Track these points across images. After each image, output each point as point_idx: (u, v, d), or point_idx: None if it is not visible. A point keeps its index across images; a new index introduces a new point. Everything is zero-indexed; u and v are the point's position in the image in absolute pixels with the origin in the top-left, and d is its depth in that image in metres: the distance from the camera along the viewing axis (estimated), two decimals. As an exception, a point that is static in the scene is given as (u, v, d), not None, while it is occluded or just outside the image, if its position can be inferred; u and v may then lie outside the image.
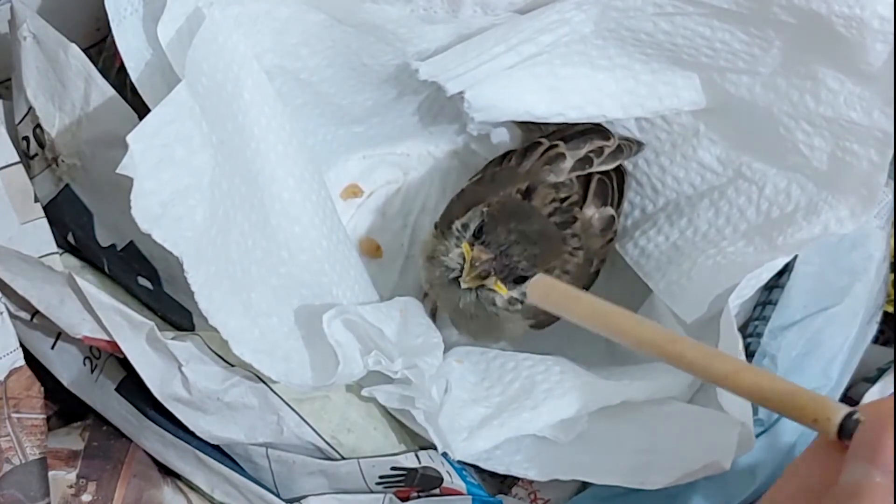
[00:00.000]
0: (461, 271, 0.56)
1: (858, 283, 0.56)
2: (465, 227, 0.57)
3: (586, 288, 0.61)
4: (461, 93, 0.58)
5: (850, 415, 0.33)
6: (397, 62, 0.59)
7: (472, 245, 0.55)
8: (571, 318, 0.40)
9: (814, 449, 0.34)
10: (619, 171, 0.62)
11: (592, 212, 0.60)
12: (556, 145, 0.61)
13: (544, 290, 0.43)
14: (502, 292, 0.56)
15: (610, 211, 0.61)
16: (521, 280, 0.55)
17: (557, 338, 0.62)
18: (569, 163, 0.60)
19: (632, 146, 0.62)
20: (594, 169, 0.61)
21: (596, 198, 0.60)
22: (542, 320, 0.59)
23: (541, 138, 0.62)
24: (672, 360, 0.36)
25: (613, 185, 0.61)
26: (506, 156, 0.63)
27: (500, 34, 0.55)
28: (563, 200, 0.59)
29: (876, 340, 0.59)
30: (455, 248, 0.57)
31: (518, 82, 0.58)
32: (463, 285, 0.56)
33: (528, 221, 0.56)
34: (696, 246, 0.60)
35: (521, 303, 0.56)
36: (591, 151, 0.61)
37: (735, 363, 0.35)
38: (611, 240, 0.62)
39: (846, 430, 0.33)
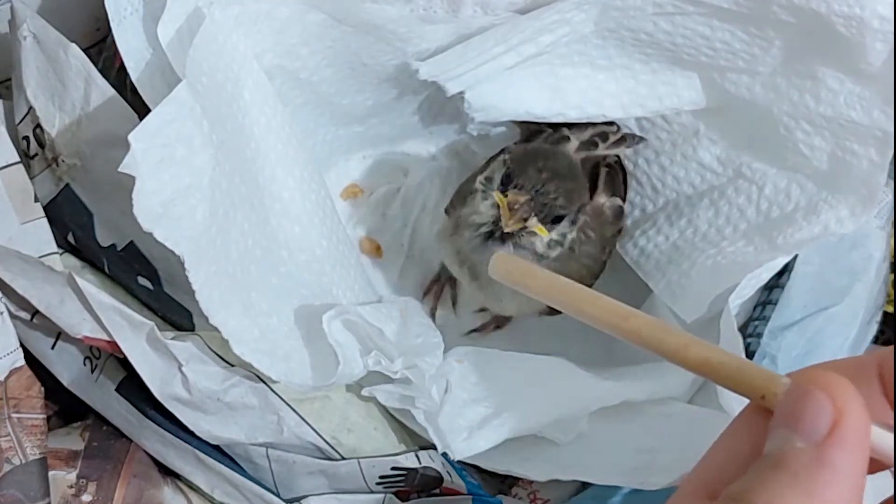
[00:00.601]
0: (495, 223, 0.55)
1: (858, 283, 0.56)
2: (488, 179, 0.56)
3: (597, 276, 0.61)
4: (461, 93, 0.58)
5: None
6: (397, 62, 0.59)
7: (503, 192, 0.54)
8: (531, 294, 0.40)
9: (743, 416, 0.34)
10: (623, 169, 0.63)
11: (604, 199, 0.60)
12: (560, 129, 0.61)
13: (505, 265, 0.43)
14: (543, 234, 0.55)
15: (619, 201, 0.61)
16: (558, 219, 0.55)
17: (557, 338, 0.62)
18: (574, 144, 0.60)
19: (634, 138, 0.62)
20: (599, 152, 0.61)
21: (606, 187, 0.60)
22: None
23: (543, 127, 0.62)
24: (626, 336, 0.36)
25: (620, 178, 0.62)
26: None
27: (500, 34, 0.55)
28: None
29: (876, 340, 0.59)
30: (483, 203, 0.55)
31: (518, 82, 0.58)
32: (506, 229, 0.54)
33: (556, 158, 0.56)
34: (696, 246, 0.60)
35: (561, 245, 0.56)
36: (595, 135, 0.61)
37: (685, 338, 0.35)
38: (619, 231, 0.62)
39: None
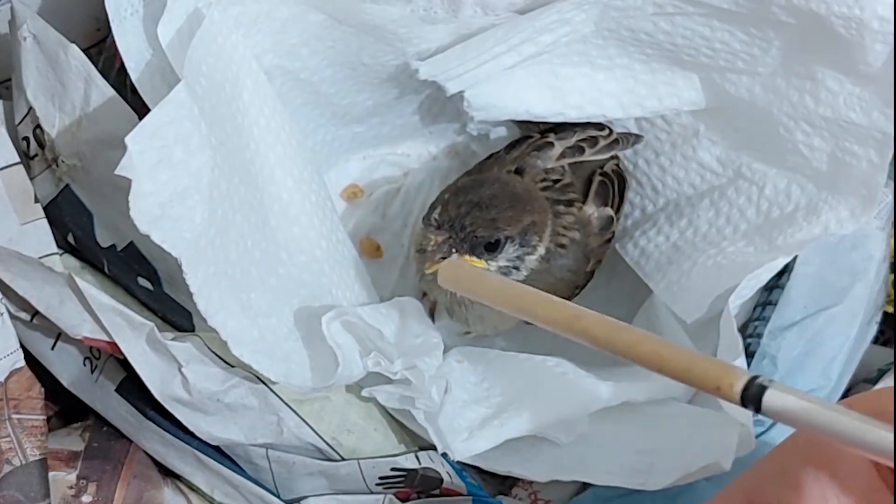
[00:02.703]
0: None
1: (858, 284, 0.56)
2: (433, 208, 0.56)
3: (581, 287, 0.61)
4: (461, 93, 0.58)
5: (753, 379, 0.32)
6: (397, 62, 0.59)
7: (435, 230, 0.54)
8: (482, 300, 0.40)
9: (797, 434, 0.34)
10: (621, 176, 0.62)
11: (592, 210, 0.60)
12: (546, 136, 0.61)
13: (454, 272, 0.42)
14: (480, 265, 0.55)
15: (609, 212, 0.60)
16: (493, 247, 0.55)
17: (557, 338, 0.62)
18: (557, 150, 0.60)
19: (629, 138, 0.62)
20: (586, 158, 0.60)
21: (597, 197, 0.60)
22: None
23: (534, 133, 0.62)
24: (578, 335, 0.36)
25: (614, 189, 0.61)
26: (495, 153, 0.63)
27: (500, 34, 0.55)
28: (555, 182, 0.59)
29: (876, 341, 0.59)
30: (425, 235, 0.56)
31: (518, 82, 0.58)
32: (426, 271, 0.55)
33: (481, 189, 0.55)
34: (696, 246, 0.60)
35: (517, 269, 0.56)
36: (581, 140, 0.61)
37: (637, 334, 0.35)
38: (608, 240, 0.61)
39: (750, 395, 0.32)
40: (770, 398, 0.31)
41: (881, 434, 0.29)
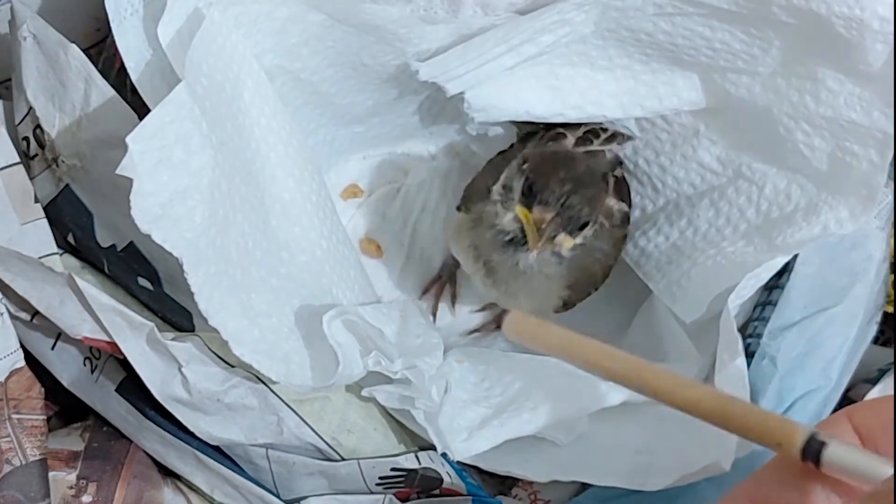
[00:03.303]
0: (520, 233, 0.54)
1: (858, 284, 0.56)
2: (507, 188, 0.55)
3: (607, 274, 0.60)
4: (461, 93, 0.58)
5: (813, 437, 0.33)
6: (397, 62, 0.59)
7: (528, 207, 0.53)
8: (546, 352, 0.41)
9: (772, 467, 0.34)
10: (627, 184, 0.63)
11: (613, 202, 0.60)
12: (554, 128, 0.61)
13: (519, 326, 0.43)
14: (567, 243, 0.54)
15: (626, 207, 0.60)
16: (584, 226, 0.54)
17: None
18: (570, 140, 0.60)
19: (623, 136, 0.62)
20: (594, 147, 0.60)
21: (615, 192, 0.60)
22: (573, 299, 0.59)
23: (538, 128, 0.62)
24: (639, 389, 0.37)
25: (627, 189, 0.62)
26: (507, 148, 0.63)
27: (500, 35, 0.55)
28: None
29: (876, 341, 0.59)
30: (505, 212, 0.55)
31: (518, 82, 0.58)
32: (533, 250, 0.53)
33: (573, 164, 0.55)
34: (695, 246, 0.60)
35: (583, 245, 0.55)
36: (588, 132, 0.61)
37: (700, 390, 0.35)
38: (625, 237, 0.61)
39: (809, 452, 0.33)
40: (829, 455, 0.32)
41: None
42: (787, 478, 0.33)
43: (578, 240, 0.55)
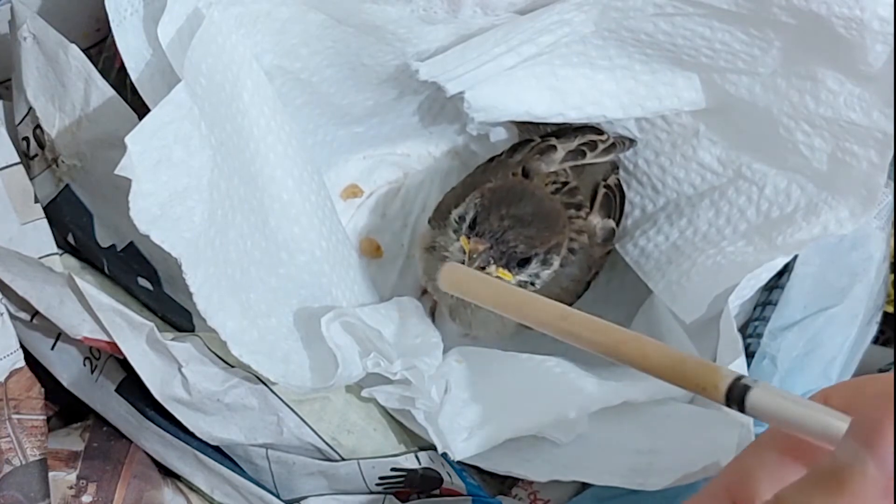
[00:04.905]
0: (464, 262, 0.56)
1: (858, 284, 0.56)
2: (461, 218, 0.56)
3: (579, 296, 0.61)
4: (461, 93, 0.58)
5: (737, 379, 0.32)
6: (397, 62, 0.59)
7: (468, 237, 0.55)
8: (478, 302, 0.41)
9: (773, 428, 0.34)
10: (621, 190, 0.63)
11: (597, 220, 0.60)
12: (548, 139, 0.61)
13: (454, 276, 0.43)
14: (508, 278, 0.56)
15: (611, 224, 0.61)
16: (525, 262, 0.56)
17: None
18: (560, 154, 0.60)
19: (625, 142, 0.62)
20: (587, 161, 0.61)
21: (602, 208, 0.61)
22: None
23: (533, 137, 0.62)
24: (565, 336, 0.36)
25: (616, 202, 0.62)
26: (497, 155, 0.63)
27: (500, 35, 0.55)
28: (563, 184, 0.59)
29: (876, 341, 0.59)
30: (455, 242, 0.56)
31: (518, 83, 0.58)
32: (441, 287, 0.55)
33: (521, 204, 0.56)
34: (695, 246, 0.60)
35: (533, 283, 0.56)
36: (582, 144, 0.61)
37: (623, 334, 0.35)
38: (609, 252, 0.62)
39: (734, 395, 0.32)
40: (754, 398, 0.31)
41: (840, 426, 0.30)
42: (764, 466, 0.33)
43: (523, 276, 0.56)
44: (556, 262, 0.57)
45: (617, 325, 0.37)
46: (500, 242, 0.55)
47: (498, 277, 0.55)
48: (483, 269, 0.55)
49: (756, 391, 0.31)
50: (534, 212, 0.56)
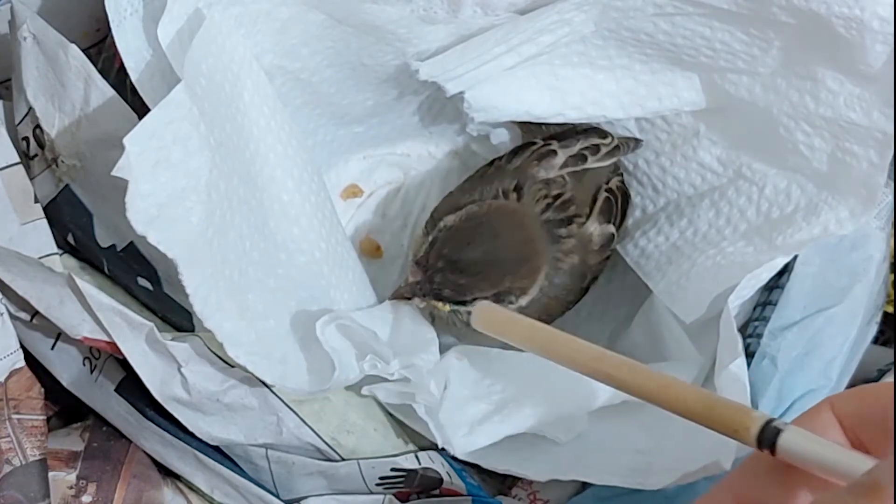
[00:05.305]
0: None
1: (858, 284, 0.56)
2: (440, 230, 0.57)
3: (574, 303, 0.61)
4: (461, 93, 0.58)
5: (768, 422, 0.32)
6: (397, 62, 0.59)
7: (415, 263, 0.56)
8: (514, 342, 0.41)
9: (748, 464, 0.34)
10: (625, 193, 0.63)
11: (594, 227, 0.60)
12: (549, 143, 0.61)
13: (487, 315, 0.43)
14: (439, 307, 0.56)
15: (611, 229, 0.60)
16: (461, 303, 0.56)
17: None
18: (560, 159, 0.60)
19: (629, 144, 0.62)
20: (588, 165, 0.60)
21: (601, 214, 0.60)
22: None
23: (536, 139, 0.62)
24: (601, 379, 0.37)
25: (618, 206, 0.61)
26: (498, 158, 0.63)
27: (500, 35, 0.55)
28: (555, 198, 0.59)
29: (876, 341, 0.59)
30: None
31: (518, 83, 0.58)
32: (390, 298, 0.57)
33: (467, 248, 0.56)
34: (695, 246, 0.60)
35: (466, 323, 0.56)
36: (584, 148, 0.61)
37: (658, 378, 0.35)
38: (608, 257, 0.61)
39: (765, 439, 0.32)
40: (785, 442, 0.32)
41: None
42: (770, 471, 0.33)
43: (461, 313, 0.56)
44: (525, 298, 0.57)
45: (649, 367, 0.37)
46: (429, 280, 0.55)
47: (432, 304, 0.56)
48: (409, 299, 0.56)
49: (787, 435, 0.32)
50: (476, 260, 0.56)
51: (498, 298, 0.56)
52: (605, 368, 0.37)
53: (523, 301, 0.57)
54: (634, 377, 0.36)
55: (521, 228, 0.58)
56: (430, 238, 0.57)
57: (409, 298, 0.56)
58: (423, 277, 0.56)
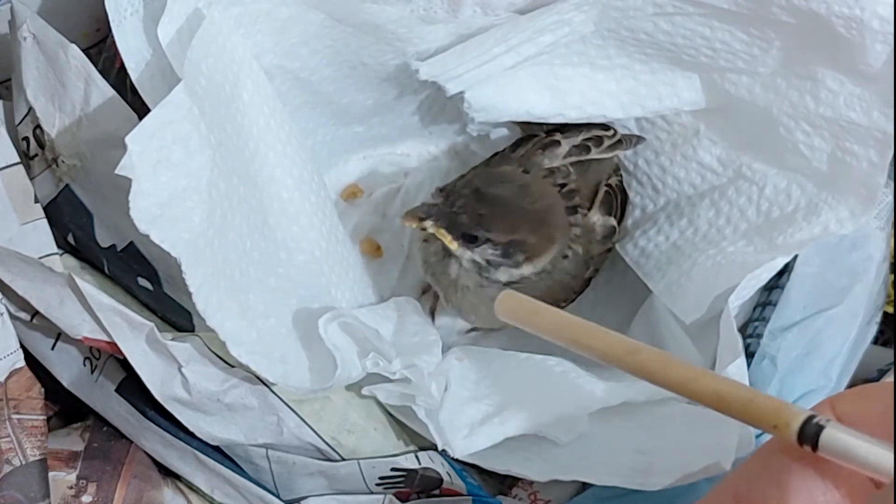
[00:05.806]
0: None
1: (858, 284, 0.56)
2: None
3: (578, 293, 0.61)
4: (461, 93, 0.58)
5: (810, 418, 0.32)
6: (397, 62, 0.59)
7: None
8: (538, 332, 0.41)
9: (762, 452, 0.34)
10: (624, 192, 0.63)
11: (598, 218, 0.60)
12: (552, 134, 0.61)
13: (510, 304, 0.43)
14: (446, 240, 0.55)
15: (612, 222, 0.61)
16: (471, 238, 0.55)
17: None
18: (563, 148, 0.60)
19: (632, 139, 0.62)
20: (592, 156, 0.61)
21: (602, 206, 0.60)
22: None
23: (537, 133, 0.62)
24: (634, 371, 0.36)
25: (617, 202, 0.62)
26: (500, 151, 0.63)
27: (500, 34, 0.55)
28: (561, 186, 0.59)
29: (876, 341, 0.59)
30: None
31: (518, 82, 0.58)
32: (398, 220, 0.56)
33: (494, 185, 0.56)
34: (695, 246, 0.60)
35: (488, 275, 0.56)
36: (587, 139, 0.61)
37: (694, 370, 0.35)
38: (609, 249, 0.62)
39: (807, 435, 0.32)
40: (828, 438, 0.31)
41: None
42: (771, 471, 0.33)
43: (477, 257, 0.56)
44: (529, 266, 0.57)
45: (684, 360, 0.37)
46: (450, 205, 0.55)
47: (437, 237, 0.55)
48: (422, 220, 0.55)
49: (830, 430, 0.31)
50: (500, 196, 0.56)
51: (506, 251, 0.56)
52: (638, 360, 0.36)
53: (528, 269, 0.57)
54: (670, 369, 0.35)
55: (548, 196, 0.58)
56: (459, 176, 0.56)
57: (422, 219, 0.55)
58: (444, 202, 0.55)
